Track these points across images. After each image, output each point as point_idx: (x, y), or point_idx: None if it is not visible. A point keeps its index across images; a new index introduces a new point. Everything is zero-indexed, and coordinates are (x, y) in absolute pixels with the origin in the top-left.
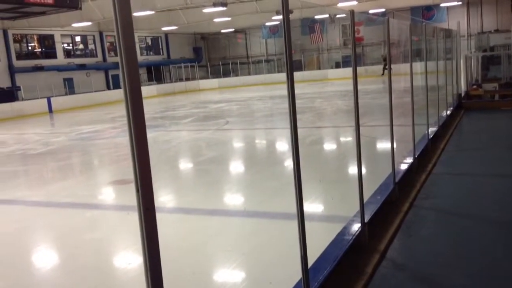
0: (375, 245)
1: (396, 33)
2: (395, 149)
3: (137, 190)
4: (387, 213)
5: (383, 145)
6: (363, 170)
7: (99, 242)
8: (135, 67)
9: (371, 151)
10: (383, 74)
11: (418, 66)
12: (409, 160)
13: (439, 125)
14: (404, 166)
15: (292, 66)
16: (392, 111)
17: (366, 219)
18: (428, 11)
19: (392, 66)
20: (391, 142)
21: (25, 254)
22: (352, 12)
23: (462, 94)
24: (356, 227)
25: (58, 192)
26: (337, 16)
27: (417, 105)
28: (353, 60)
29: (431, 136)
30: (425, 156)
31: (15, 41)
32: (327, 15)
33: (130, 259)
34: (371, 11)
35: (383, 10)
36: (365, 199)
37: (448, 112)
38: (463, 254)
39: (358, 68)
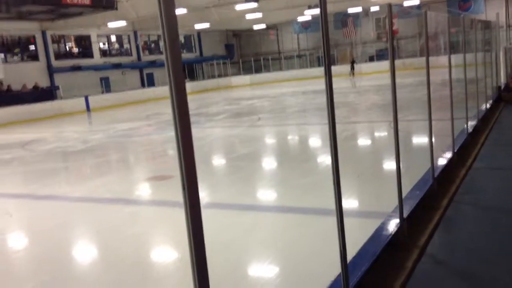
0: (415, 241)
1: (433, 25)
2: (433, 144)
3: (184, 188)
4: (426, 209)
5: (421, 140)
6: (400, 166)
7: (138, 237)
8: (179, 64)
9: (408, 146)
10: (350, 75)
11: (457, 58)
12: (448, 155)
13: (479, 118)
14: (443, 161)
15: (330, 60)
16: (430, 105)
17: (405, 214)
18: (464, 3)
19: (430, 58)
20: (429, 136)
21: (65, 248)
22: (389, 6)
23: (502, 87)
24: (394, 223)
25: (98, 188)
26: (372, 9)
27: (455, 99)
28: (391, 53)
29: (471, 130)
30: (464, 150)
31: (53, 41)
32: (360, 9)
33: (169, 254)
34: (405, 3)
35: (418, 2)
36: (403, 194)
37: (488, 106)
38: (505, 250)
39: (395, 61)
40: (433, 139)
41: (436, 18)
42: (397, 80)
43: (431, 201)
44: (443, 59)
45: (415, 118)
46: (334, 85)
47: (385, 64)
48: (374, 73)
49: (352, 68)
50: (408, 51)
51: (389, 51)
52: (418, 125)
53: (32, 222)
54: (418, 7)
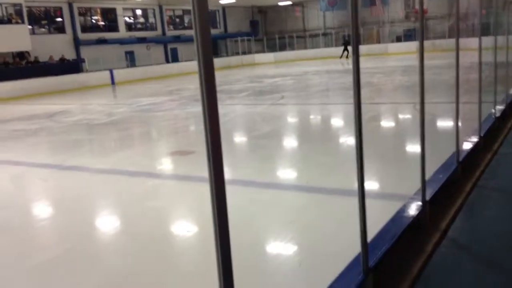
0: (436, 224)
1: (464, 6)
2: (459, 127)
3: (209, 160)
4: (449, 193)
5: (446, 123)
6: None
7: (160, 210)
8: (209, 39)
9: (433, 129)
10: (341, 57)
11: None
12: (474, 139)
13: (507, 103)
14: (468, 145)
15: (358, 38)
16: (458, 87)
17: (428, 197)
18: None
19: (460, 40)
20: (455, 119)
21: (88, 218)
22: None
23: None
24: (416, 205)
25: (121, 160)
26: None
27: (483, 82)
28: (421, 33)
29: (498, 114)
30: (491, 135)
31: (80, 14)
32: None
33: (189, 227)
34: None
35: None
36: (426, 177)
37: None
38: None
39: (425, 42)
40: (459, 123)
41: None
42: (425, 62)
43: (454, 185)
44: (472, 41)
45: (441, 101)
46: (363, 65)
47: (412, 45)
48: (401, 54)
49: (346, 50)
50: (437, 32)
51: (419, 31)
52: (444, 108)
53: (57, 191)
54: None
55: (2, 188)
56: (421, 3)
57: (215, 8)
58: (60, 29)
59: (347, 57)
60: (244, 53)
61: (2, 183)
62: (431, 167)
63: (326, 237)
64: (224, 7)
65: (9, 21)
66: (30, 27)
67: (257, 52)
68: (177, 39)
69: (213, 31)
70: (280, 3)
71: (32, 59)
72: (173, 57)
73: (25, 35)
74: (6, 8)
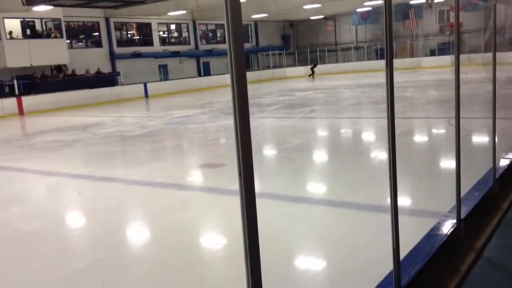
0: (471, 243)
1: (501, 19)
2: (496, 143)
3: (240, 174)
4: (485, 210)
5: (482, 139)
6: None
7: (190, 222)
8: (242, 53)
9: (468, 144)
10: (310, 76)
11: None
12: (511, 155)
13: None
14: (505, 162)
15: (392, 52)
16: (495, 102)
17: (462, 215)
18: None
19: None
20: (492, 135)
21: (120, 228)
22: None
23: None
24: (451, 223)
25: (153, 172)
26: (435, 1)
27: None
28: (456, 47)
29: None
30: None
31: (116, 29)
32: (423, 0)
33: (219, 240)
34: None
35: None
36: (462, 195)
37: None
38: None
39: (460, 56)
40: (496, 138)
41: (505, 11)
42: (460, 76)
43: (490, 203)
44: (509, 55)
45: (477, 116)
46: (395, 79)
47: (447, 59)
48: (435, 68)
49: (312, 72)
50: (472, 45)
51: (455, 45)
52: (480, 123)
53: (90, 202)
54: None
55: (38, 197)
56: (457, 17)
57: (248, 22)
58: (97, 43)
59: (310, 76)
60: (275, 66)
61: (38, 193)
62: (467, 184)
63: (357, 254)
64: (256, 22)
65: (48, 36)
66: (68, 41)
67: (288, 65)
68: (209, 53)
69: (245, 45)
70: (312, 17)
71: (69, 72)
72: (205, 71)
73: (63, 49)
74: (46, 23)
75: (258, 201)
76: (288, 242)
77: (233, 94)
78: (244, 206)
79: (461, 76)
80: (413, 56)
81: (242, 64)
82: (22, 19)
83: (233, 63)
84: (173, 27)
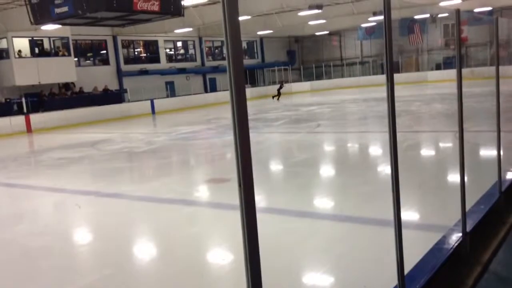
0: (477, 256)
1: (505, 32)
2: (501, 156)
3: (239, 185)
4: (491, 224)
5: (487, 152)
6: (465, 178)
7: (195, 238)
8: (241, 69)
9: (473, 158)
10: (275, 97)
11: None
12: None
13: None
14: (511, 175)
15: (392, 67)
16: (499, 115)
17: (468, 229)
18: None
19: (501, 67)
20: (497, 148)
21: (127, 244)
22: (457, 11)
23: None
24: (456, 236)
25: (159, 188)
26: (439, 15)
27: None
28: (458, 61)
29: None
30: None
31: (123, 46)
32: (427, 15)
33: (224, 255)
34: (476, 10)
35: (490, 8)
36: (467, 208)
37: None
38: None
39: (463, 70)
40: (501, 152)
41: (508, 24)
42: (464, 90)
43: (496, 216)
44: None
45: (481, 129)
46: (398, 93)
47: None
48: (441, 82)
49: (279, 93)
50: (478, 59)
51: (456, 59)
52: (485, 137)
53: (97, 218)
54: (490, 13)
55: (44, 214)
56: (458, 31)
57: (253, 38)
58: (104, 61)
59: (276, 97)
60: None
61: (45, 209)
62: (473, 197)
63: (362, 268)
64: (262, 38)
65: (56, 54)
66: (76, 59)
67: (294, 81)
68: (215, 69)
69: (251, 61)
70: (317, 33)
71: (77, 89)
72: (211, 87)
73: (71, 67)
74: (54, 41)
75: (264, 216)
76: (293, 257)
77: (232, 105)
78: (244, 217)
79: (467, 89)
80: (418, 70)
81: (241, 75)
82: (30, 38)
83: (231, 73)
84: (179, 44)
